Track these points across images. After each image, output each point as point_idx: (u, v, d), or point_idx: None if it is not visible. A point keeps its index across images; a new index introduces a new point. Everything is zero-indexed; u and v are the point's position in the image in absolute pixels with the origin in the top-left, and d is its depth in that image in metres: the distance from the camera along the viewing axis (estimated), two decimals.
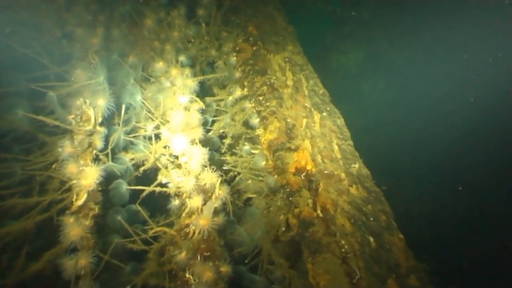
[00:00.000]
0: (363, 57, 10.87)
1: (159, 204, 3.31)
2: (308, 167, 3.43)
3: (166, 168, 3.28)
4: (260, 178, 3.72)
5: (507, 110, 8.68)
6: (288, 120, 3.79)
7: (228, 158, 4.00)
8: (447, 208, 8.56)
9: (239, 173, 3.94)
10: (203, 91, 4.42)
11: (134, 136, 3.48)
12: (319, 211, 3.15)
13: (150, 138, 3.45)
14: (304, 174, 3.39)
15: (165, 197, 3.35)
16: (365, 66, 10.96)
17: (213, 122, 4.18)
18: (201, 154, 3.18)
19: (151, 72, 4.07)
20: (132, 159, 3.40)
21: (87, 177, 2.78)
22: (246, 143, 4.26)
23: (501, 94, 8.73)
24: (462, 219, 8.40)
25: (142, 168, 3.41)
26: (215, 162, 3.67)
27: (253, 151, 3.96)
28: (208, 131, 4.10)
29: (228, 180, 3.98)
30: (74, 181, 2.83)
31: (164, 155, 3.42)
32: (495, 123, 8.77)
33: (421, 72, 10.54)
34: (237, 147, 4.37)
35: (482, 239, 8.20)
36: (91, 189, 2.82)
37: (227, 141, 4.11)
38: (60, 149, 2.92)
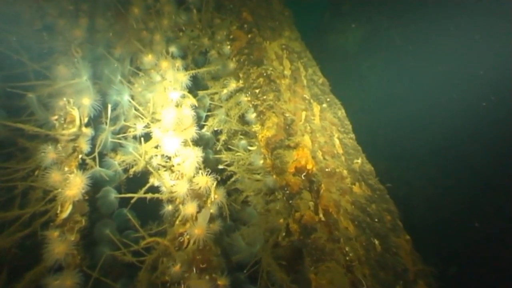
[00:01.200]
0: (362, 36, 10.55)
1: (151, 208, 3.11)
2: (309, 166, 3.23)
3: (158, 171, 3.07)
4: (258, 177, 3.52)
5: None
6: (287, 114, 3.57)
7: (223, 156, 3.79)
8: (449, 192, 8.42)
9: (235, 173, 3.74)
10: (195, 83, 4.18)
11: (123, 137, 3.26)
12: (321, 215, 2.96)
13: (140, 138, 3.23)
14: (304, 174, 3.19)
15: (158, 201, 3.16)
16: (364, 46, 10.65)
17: (207, 117, 3.95)
18: (195, 156, 2.97)
19: (140, 65, 3.81)
20: (121, 162, 3.19)
21: (72, 186, 2.57)
22: (242, 137, 4.04)
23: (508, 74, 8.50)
24: (464, 202, 8.27)
25: (132, 170, 3.20)
26: (209, 161, 3.47)
27: (250, 148, 3.75)
28: (201, 126, 3.88)
29: (224, 178, 3.78)
30: (58, 190, 2.62)
31: (156, 156, 3.21)
32: (500, 103, 8.56)
33: (422, 51, 10.25)
34: (233, 141, 4.15)
35: (483, 222, 8.10)
36: (76, 200, 2.62)
37: (222, 137, 3.89)
38: (42, 155, 2.70)
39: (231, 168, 3.73)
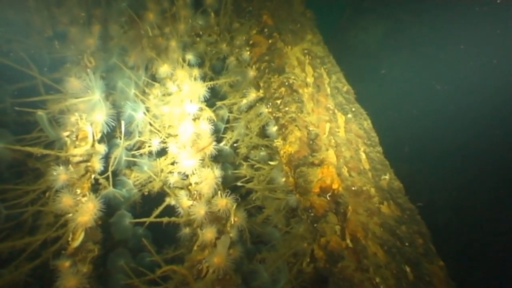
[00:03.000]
0: (384, 32, 10.20)
1: (167, 227, 2.95)
2: (334, 186, 3.02)
3: (174, 191, 2.89)
4: (280, 196, 3.31)
5: None
6: (310, 128, 3.35)
7: (243, 171, 3.59)
8: (474, 196, 8.08)
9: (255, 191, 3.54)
10: (213, 90, 4.00)
11: (137, 153, 3.09)
12: (348, 241, 2.75)
13: (155, 156, 3.05)
14: (329, 194, 2.98)
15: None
16: (386, 43, 10.29)
17: (226, 129, 3.75)
18: (213, 178, 2.78)
19: (155, 74, 3.63)
20: (136, 180, 3.02)
21: (84, 212, 2.41)
22: (262, 149, 3.83)
23: None
24: (490, 207, 7.93)
25: (147, 189, 3.03)
26: (228, 177, 3.28)
27: (271, 163, 3.55)
28: (220, 139, 3.69)
29: (243, 194, 3.59)
30: (70, 215, 2.47)
31: (172, 173, 3.03)
32: None
33: (446, 48, 9.86)
34: (252, 152, 3.95)
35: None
36: (89, 227, 2.46)
37: (242, 150, 3.69)
38: (53, 177, 2.55)
39: (251, 185, 3.53)
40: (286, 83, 3.66)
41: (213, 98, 3.91)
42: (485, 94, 9.40)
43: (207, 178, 2.77)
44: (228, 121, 3.81)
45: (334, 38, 10.51)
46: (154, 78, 3.71)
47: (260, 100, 3.75)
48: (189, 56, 3.70)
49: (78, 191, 2.61)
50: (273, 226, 3.30)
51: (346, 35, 10.57)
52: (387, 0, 9.79)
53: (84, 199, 2.51)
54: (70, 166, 2.65)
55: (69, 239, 2.44)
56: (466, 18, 9.29)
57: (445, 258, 2.98)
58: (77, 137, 2.81)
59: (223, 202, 2.76)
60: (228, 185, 3.35)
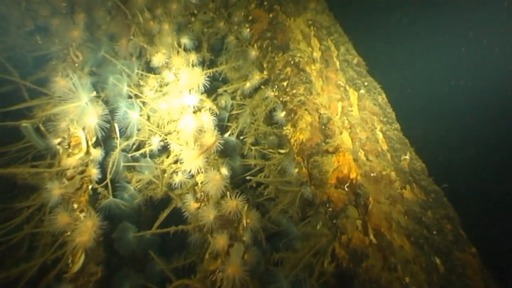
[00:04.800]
0: None
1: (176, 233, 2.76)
2: (352, 175, 2.78)
3: (179, 195, 2.68)
4: (293, 189, 3.09)
5: None
6: (322, 111, 3.08)
7: (252, 161, 3.36)
8: (492, 154, 7.79)
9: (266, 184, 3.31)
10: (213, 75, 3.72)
11: (137, 153, 2.86)
12: (372, 236, 2.54)
13: (156, 154, 2.83)
14: (348, 185, 2.75)
15: (183, 222, 2.80)
16: None
17: (230, 116, 3.49)
18: (221, 179, 2.55)
19: (150, 62, 3.35)
20: (138, 182, 2.81)
21: (82, 231, 2.22)
22: (271, 134, 3.58)
23: None
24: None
25: (150, 193, 2.82)
26: (237, 170, 3.05)
27: (281, 151, 3.30)
28: (225, 128, 3.43)
29: (254, 186, 3.37)
30: (68, 233, 2.28)
31: (176, 173, 2.81)
32: None
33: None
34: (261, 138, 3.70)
35: None
36: (89, 247, 2.27)
37: (249, 139, 3.44)
38: (46, 194, 2.34)
39: (262, 179, 3.30)
40: (292, 62, 3.36)
41: (214, 81, 3.64)
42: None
43: (214, 179, 2.54)
44: (232, 108, 3.54)
45: None
46: (149, 65, 3.42)
47: (265, 82, 3.46)
48: (185, 40, 3.40)
49: (75, 206, 2.41)
50: (288, 219, 3.10)
51: None
52: None
53: (82, 215, 2.31)
54: (64, 179, 2.44)
55: (69, 262, 2.26)
56: None
57: None
58: (69, 144, 2.58)
59: (233, 203, 2.55)
60: (237, 177, 3.12)
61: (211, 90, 3.42)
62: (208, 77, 3.03)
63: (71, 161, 2.48)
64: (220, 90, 3.41)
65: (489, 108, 8.28)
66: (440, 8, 9.43)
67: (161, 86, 3.26)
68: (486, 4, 8.68)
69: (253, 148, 3.43)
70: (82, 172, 2.52)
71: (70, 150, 2.55)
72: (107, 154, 2.76)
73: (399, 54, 9.88)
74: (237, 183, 3.28)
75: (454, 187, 3.22)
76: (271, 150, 3.57)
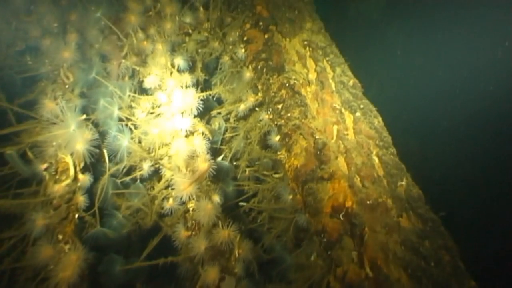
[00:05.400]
0: (386, 1, 9.65)
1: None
2: (348, 204, 2.72)
3: (170, 226, 2.61)
4: (287, 216, 3.02)
5: None
6: (317, 136, 3.02)
7: (245, 184, 3.29)
8: (489, 175, 7.74)
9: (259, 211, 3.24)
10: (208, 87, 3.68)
11: (127, 179, 2.79)
12: (368, 269, 2.47)
13: (147, 180, 2.76)
14: (343, 214, 2.68)
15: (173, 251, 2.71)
16: (389, 11, 9.76)
17: (223, 139, 3.43)
18: (212, 208, 2.48)
19: (142, 82, 3.29)
20: (127, 209, 2.73)
21: (66, 266, 2.13)
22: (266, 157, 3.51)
23: None
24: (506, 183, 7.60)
25: (139, 219, 2.75)
26: (229, 195, 2.98)
27: (275, 176, 3.24)
28: (218, 150, 3.37)
29: (247, 211, 3.30)
30: (51, 267, 2.19)
31: (167, 199, 2.74)
32: None
33: (456, 16, 9.29)
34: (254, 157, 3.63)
35: None
36: (73, 282, 2.18)
37: (242, 163, 3.37)
38: (30, 224, 2.25)
39: (255, 205, 3.23)
40: (287, 84, 3.32)
41: (207, 102, 3.58)
42: (499, 65, 8.89)
43: (206, 208, 2.47)
44: (225, 130, 3.47)
45: (334, 9, 9.98)
46: (142, 85, 3.36)
47: (260, 104, 3.41)
48: (179, 60, 3.35)
49: (60, 237, 2.33)
50: (281, 246, 3.02)
51: (346, 5, 10.03)
52: None
53: (67, 247, 2.23)
54: (49, 208, 2.36)
55: None
56: None
57: None
58: (56, 170, 2.50)
59: (225, 233, 2.47)
60: (230, 202, 3.05)
61: (204, 111, 3.36)
62: (201, 100, 2.97)
63: (58, 189, 2.41)
64: (213, 112, 3.35)
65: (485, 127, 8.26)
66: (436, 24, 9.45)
67: (153, 107, 3.20)
68: (478, 23, 8.71)
69: (247, 170, 3.36)
70: (69, 200, 2.44)
71: (57, 177, 2.48)
72: (96, 179, 2.69)
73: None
74: (230, 206, 3.21)
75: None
76: (265, 173, 3.50)
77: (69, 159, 2.50)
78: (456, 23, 9.31)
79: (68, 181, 2.47)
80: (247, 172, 3.36)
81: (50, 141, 2.50)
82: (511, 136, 7.52)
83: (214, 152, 3.29)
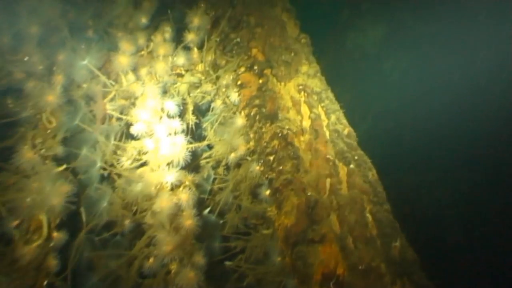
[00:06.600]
0: (384, 34, 9.67)
1: None
2: (339, 271, 2.57)
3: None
4: (275, 278, 2.87)
5: None
6: (309, 193, 2.89)
7: (231, 241, 3.14)
8: (486, 210, 7.62)
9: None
10: (198, 135, 3.56)
11: (107, 235, 2.63)
12: None
13: (127, 236, 2.60)
14: (333, 282, 2.53)
15: None
16: (386, 45, 9.77)
17: (211, 190, 3.29)
18: (195, 277, 2.32)
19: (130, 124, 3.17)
20: (104, 268, 2.57)
21: None
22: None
23: None
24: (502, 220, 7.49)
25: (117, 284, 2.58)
26: (215, 251, 2.83)
27: (264, 232, 3.09)
28: (206, 201, 3.23)
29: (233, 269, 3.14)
30: None
31: (147, 258, 2.58)
32: None
33: (450, 49, 9.33)
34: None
35: None
36: None
37: (230, 215, 3.23)
38: None
39: (241, 269, 3.06)
40: (280, 134, 3.20)
41: (197, 145, 3.46)
42: (493, 95, 8.91)
43: (188, 276, 2.32)
44: (214, 179, 3.34)
45: (332, 41, 9.99)
46: (129, 128, 3.24)
47: (251, 153, 3.28)
48: (169, 104, 3.23)
49: None
50: None
51: (344, 38, 10.04)
52: (386, 1, 9.24)
53: None
54: (16, 275, 2.19)
55: None
56: (473, 17, 8.77)
57: None
58: (28, 228, 2.34)
59: None
60: (215, 258, 2.90)
61: (193, 158, 3.23)
62: (189, 151, 2.85)
63: (28, 251, 2.24)
64: (203, 162, 3.22)
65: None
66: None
67: (139, 153, 3.06)
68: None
69: (235, 223, 3.22)
70: (39, 265, 2.27)
71: (28, 236, 2.32)
72: (72, 234, 2.53)
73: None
74: (216, 261, 3.06)
75: None
76: (254, 222, 3.36)
77: (43, 217, 2.34)
78: (453, 56, 9.34)
79: (40, 241, 2.31)
80: (235, 226, 3.22)
81: (25, 194, 2.35)
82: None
83: (202, 203, 3.15)
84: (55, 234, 2.41)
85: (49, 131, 2.82)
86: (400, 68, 9.97)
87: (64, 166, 2.54)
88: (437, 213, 7.82)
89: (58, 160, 2.72)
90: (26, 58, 2.95)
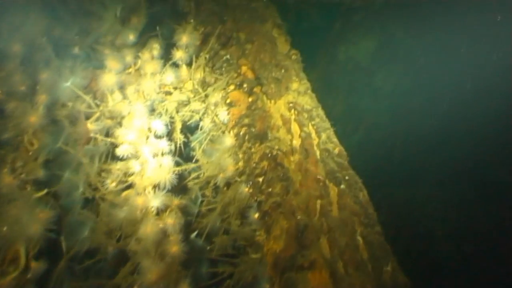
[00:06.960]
0: (375, 47, 9.68)
1: None
2: None
3: None
4: None
5: None
6: (299, 217, 2.82)
7: (219, 265, 3.06)
8: (478, 224, 7.59)
9: None
10: (186, 155, 3.48)
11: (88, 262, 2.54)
12: None
13: (110, 263, 2.51)
14: None
15: None
16: (378, 57, 9.78)
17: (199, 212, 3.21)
18: None
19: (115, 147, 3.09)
20: None
21: None
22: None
23: None
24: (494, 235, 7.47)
25: None
26: (202, 276, 2.75)
27: (253, 256, 3.01)
28: (192, 224, 3.14)
29: None
30: None
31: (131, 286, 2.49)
32: None
33: (442, 61, 9.35)
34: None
35: None
36: None
37: (218, 239, 3.14)
38: None
39: None
40: (269, 155, 3.13)
41: (185, 164, 3.38)
42: (486, 107, 8.91)
43: None
44: (202, 201, 3.26)
45: (323, 53, 9.98)
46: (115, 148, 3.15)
47: (240, 174, 3.21)
48: (156, 124, 3.16)
49: None
50: None
51: (336, 50, 10.03)
52: (379, 14, 9.26)
53: None
54: None
55: None
56: (462, 30, 8.80)
57: None
58: (4, 259, 2.24)
59: None
60: (201, 284, 2.81)
61: (180, 180, 3.16)
62: (176, 174, 2.77)
63: (2, 283, 2.14)
64: (190, 184, 3.15)
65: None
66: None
67: (125, 175, 2.98)
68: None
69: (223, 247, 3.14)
70: None
71: (4, 267, 2.22)
72: (51, 264, 2.43)
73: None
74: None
75: None
76: (243, 243, 3.28)
77: (20, 246, 2.24)
78: (445, 69, 9.36)
79: (16, 273, 2.21)
80: (223, 249, 3.13)
81: (1, 224, 2.26)
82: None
83: (189, 225, 3.07)
84: (33, 264, 2.31)
85: (30, 153, 2.73)
86: (391, 81, 9.97)
87: (45, 191, 2.45)
88: (428, 227, 7.77)
89: (39, 184, 2.63)
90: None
